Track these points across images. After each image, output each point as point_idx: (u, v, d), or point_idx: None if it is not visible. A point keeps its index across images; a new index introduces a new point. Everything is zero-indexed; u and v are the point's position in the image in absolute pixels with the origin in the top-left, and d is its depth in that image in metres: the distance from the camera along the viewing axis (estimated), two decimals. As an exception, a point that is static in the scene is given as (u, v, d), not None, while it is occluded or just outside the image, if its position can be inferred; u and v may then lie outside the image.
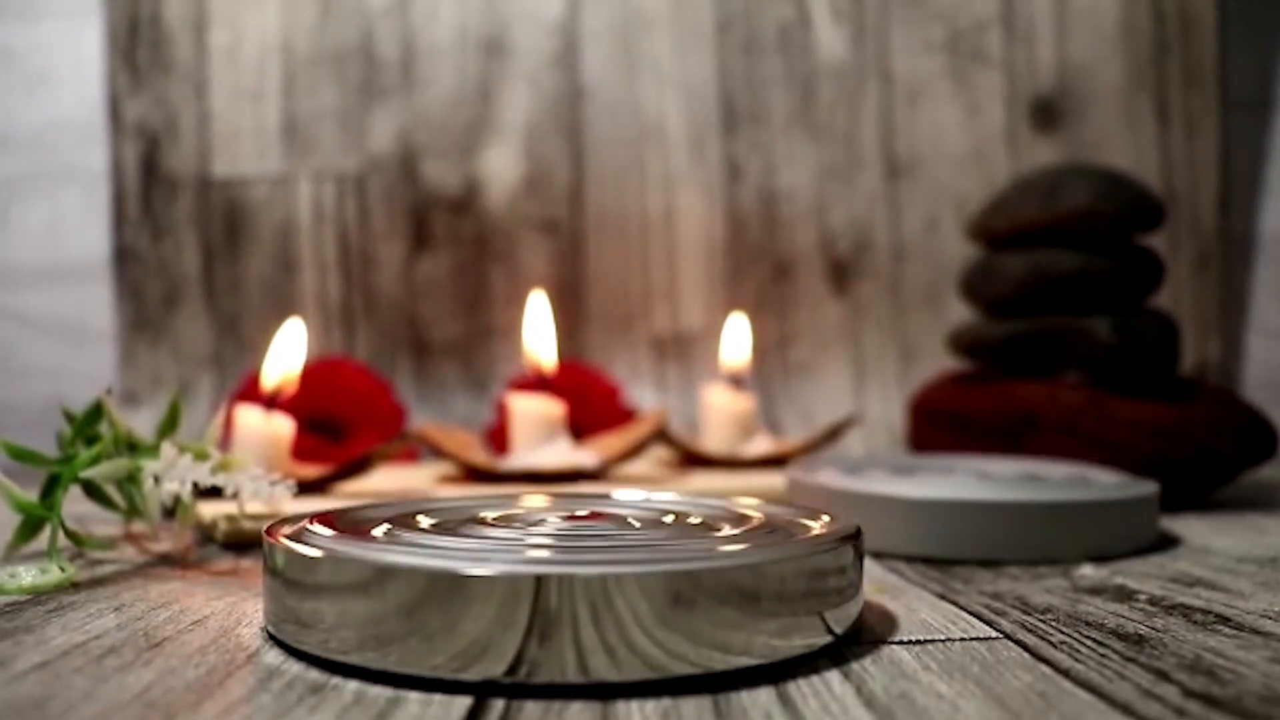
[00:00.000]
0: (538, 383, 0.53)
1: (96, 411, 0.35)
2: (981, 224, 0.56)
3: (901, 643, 0.25)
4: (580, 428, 0.56)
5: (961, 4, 0.76)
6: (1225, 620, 0.26)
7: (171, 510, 0.36)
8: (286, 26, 0.77)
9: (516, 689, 0.21)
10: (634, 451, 0.50)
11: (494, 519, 0.28)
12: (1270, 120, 0.78)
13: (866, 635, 0.25)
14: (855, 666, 0.23)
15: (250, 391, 0.54)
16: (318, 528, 0.25)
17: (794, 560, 0.23)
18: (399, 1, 0.77)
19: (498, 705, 0.20)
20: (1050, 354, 0.52)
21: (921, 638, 0.25)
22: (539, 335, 0.53)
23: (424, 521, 0.27)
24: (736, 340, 0.62)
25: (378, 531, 0.25)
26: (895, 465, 0.44)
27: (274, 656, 0.23)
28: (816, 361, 0.76)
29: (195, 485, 0.33)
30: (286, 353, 0.45)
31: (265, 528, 0.26)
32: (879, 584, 0.31)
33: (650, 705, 0.20)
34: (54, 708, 0.20)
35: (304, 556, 0.23)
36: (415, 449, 0.60)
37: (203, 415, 0.73)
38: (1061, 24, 0.76)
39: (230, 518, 0.37)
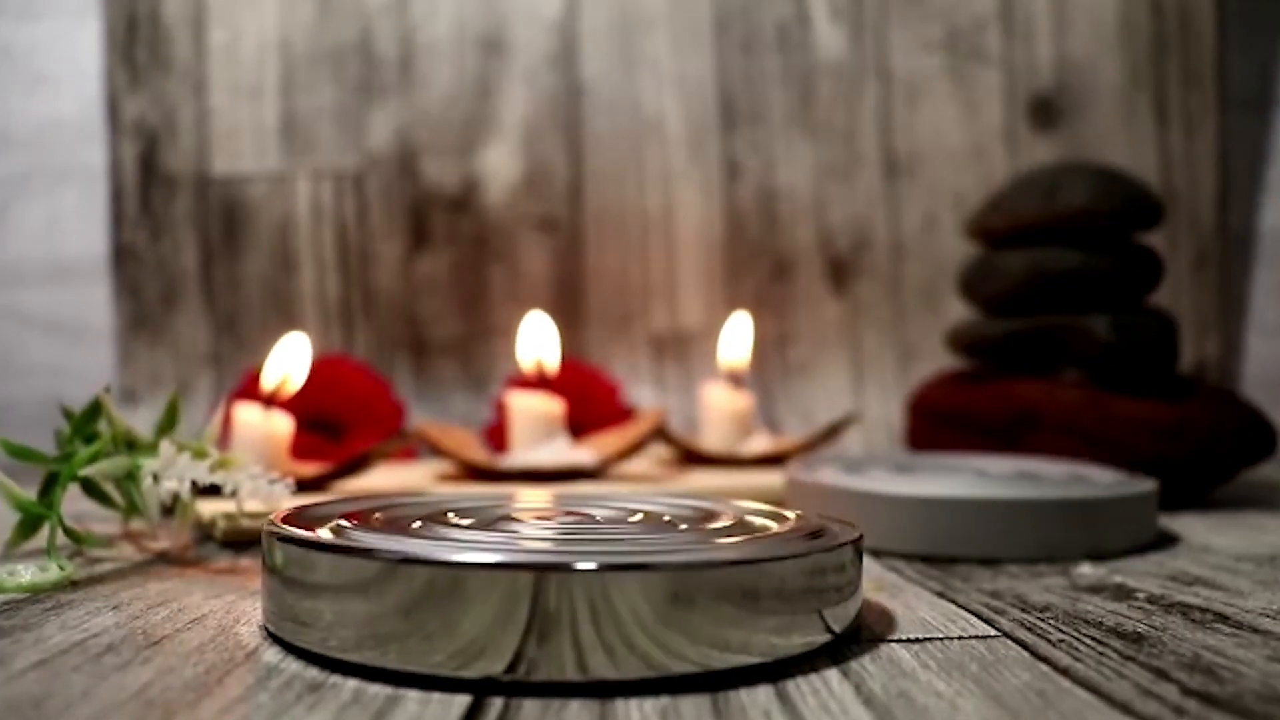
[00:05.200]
0: (537, 381, 0.53)
1: (95, 410, 0.35)
2: (980, 222, 0.56)
3: (900, 641, 0.25)
4: (579, 426, 0.56)
5: (960, 2, 0.76)
6: (1224, 619, 0.26)
7: (170, 508, 0.36)
8: (285, 24, 0.77)
9: (515, 687, 0.21)
10: (633, 450, 0.50)
11: (494, 518, 0.28)
12: (1269, 119, 0.78)
13: (865, 634, 0.25)
14: (854, 665, 0.23)
15: (249, 390, 0.54)
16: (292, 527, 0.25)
17: (793, 559, 0.23)
18: (398, -1, 0.77)
19: (496, 704, 0.20)
20: (1049, 352, 0.52)
21: (920, 636, 0.25)
22: (541, 347, 0.53)
23: (422, 520, 0.27)
24: (735, 339, 0.62)
25: (376, 527, 0.25)
26: (896, 464, 0.44)
27: (272, 655, 0.23)
28: (815, 360, 0.76)
29: (194, 483, 0.33)
30: (288, 365, 0.45)
31: (265, 525, 0.25)
32: (878, 582, 0.32)
33: (649, 704, 0.20)
34: (52, 706, 0.20)
35: (303, 554, 0.23)
36: (414, 447, 0.60)
37: (201, 413, 0.73)
38: (1060, 22, 0.76)
39: (229, 516, 0.37)
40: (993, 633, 0.25)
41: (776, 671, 0.22)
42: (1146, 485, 0.38)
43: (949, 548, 0.35)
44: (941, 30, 0.76)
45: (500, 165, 0.77)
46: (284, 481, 0.34)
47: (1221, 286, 0.75)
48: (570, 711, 0.20)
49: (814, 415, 0.74)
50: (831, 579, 0.24)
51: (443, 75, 0.77)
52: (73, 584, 0.31)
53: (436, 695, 0.20)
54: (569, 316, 0.75)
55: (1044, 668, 0.22)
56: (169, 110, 0.77)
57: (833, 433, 0.58)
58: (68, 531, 0.33)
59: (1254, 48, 0.78)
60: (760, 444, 0.58)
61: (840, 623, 0.24)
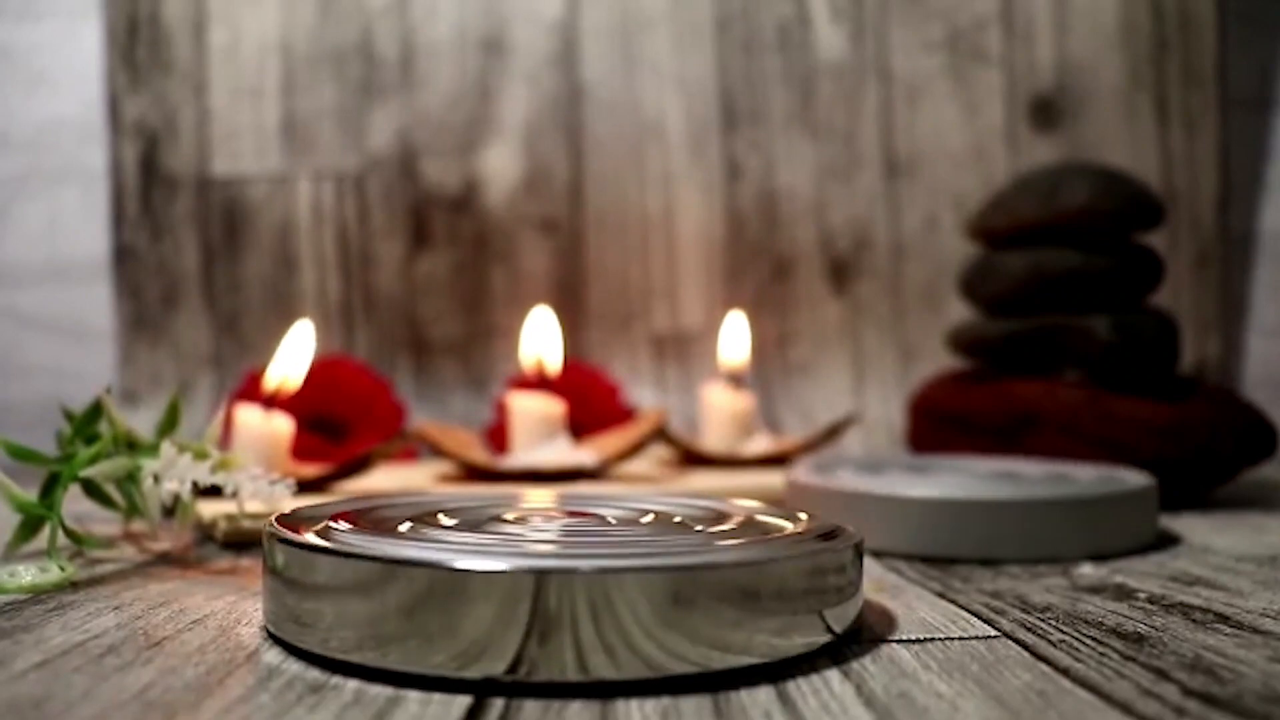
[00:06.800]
0: (538, 382, 0.53)
1: (96, 410, 0.35)
2: (981, 223, 0.56)
3: (901, 641, 0.25)
4: (580, 427, 0.56)
5: (961, 2, 0.76)
6: (1225, 619, 0.26)
7: (171, 509, 0.36)
8: (285, 25, 0.77)
9: (516, 688, 0.21)
10: (633, 450, 0.50)
11: (495, 518, 0.28)
12: (1270, 119, 0.78)
13: (866, 634, 0.25)
14: (855, 665, 0.23)
15: (250, 391, 0.54)
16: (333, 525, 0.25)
17: (793, 559, 0.23)
18: (398, 0, 0.77)
19: (497, 704, 0.20)
20: (1049, 353, 0.52)
21: (921, 636, 0.25)
22: (545, 346, 0.53)
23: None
24: (736, 339, 0.62)
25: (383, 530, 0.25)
26: (905, 464, 0.44)
27: (273, 655, 0.23)
28: (816, 360, 0.76)
29: (195, 484, 0.33)
30: (293, 355, 0.45)
31: (266, 525, 0.26)
32: (878, 583, 0.32)
33: (650, 704, 0.20)
34: (53, 707, 0.20)
35: (304, 555, 0.23)
36: (414, 448, 0.60)
37: (202, 414, 0.73)
38: (1061, 22, 0.76)
39: (230, 517, 0.37)
40: (993, 633, 0.25)
41: (777, 672, 0.22)
42: (1147, 485, 0.38)
43: (949, 548, 0.35)
44: (942, 30, 0.76)
45: (501, 166, 0.77)
46: (285, 482, 0.34)
47: (1222, 286, 0.75)
48: (571, 712, 0.20)
49: (814, 415, 0.74)
50: (832, 579, 0.24)
51: (443, 76, 0.77)
52: (73, 585, 0.31)
53: (437, 696, 0.20)
54: (569, 317, 0.75)
55: (1044, 668, 0.22)
56: (170, 111, 0.77)
57: (833, 433, 0.58)
58: (68, 532, 0.33)
59: (1255, 48, 0.78)
60: (761, 444, 0.58)
61: (841, 623, 0.24)
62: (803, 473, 0.41)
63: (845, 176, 0.77)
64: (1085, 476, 0.40)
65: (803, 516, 0.28)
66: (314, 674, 0.22)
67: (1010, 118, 0.76)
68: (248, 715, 0.19)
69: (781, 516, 0.28)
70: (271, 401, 0.44)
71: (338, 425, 0.60)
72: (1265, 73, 0.78)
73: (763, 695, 0.20)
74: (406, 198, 0.77)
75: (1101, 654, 0.23)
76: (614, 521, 0.28)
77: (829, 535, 0.25)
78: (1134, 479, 0.39)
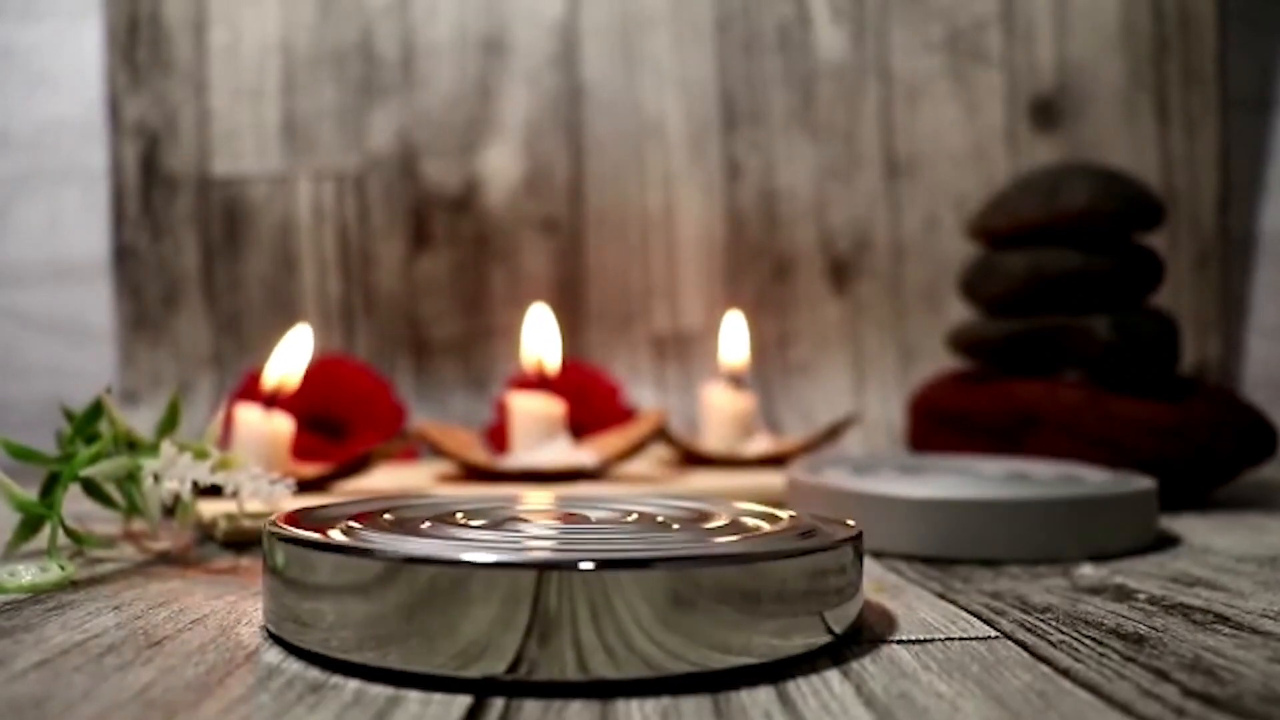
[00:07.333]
0: (538, 382, 0.53)
1: (96, 410, 0.35)
2: (981, 223, 0.56)
3: (901, 642, 0.25)
4: (580, 427, 0.56)
5: (961, 3, 0.76)
6: (1225, 620, 0.26)
7: (171, 509, 0.36)
8: (286, 25, 0.77)
9: (516, 687, 0.21)
10: (634, 451, 0.50)
11: (495, 518, 0.28)
12: (1270, 119, 0.78)
13: (866, 634, 0.25)
14: (855, 666, 0.23)
15: (250, 390, 0.54)
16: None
17: (794, 559, 0.23)
18: (398, 0, 0.77)
19: (497, 704, 0.20)
20: (1050, 353, 0.52)
21: (921, 637, 0.25)
22: (543, 344, 0.53)
23: (422, 521, 0.27)
24: (735, 339, 0.62)
25: (368, 529, 0.25)
26: (897, 465, 0.44)
27: (273, 655, 0.23)
28: (816, 361, 0.76)
29: (195, 484, 0.33)
30: (290, 358, 0.45)
31: (266, 525, 0.26)
32: (879, 583, 0.31)
33: (650, 704, 0.20)
34: (53, 707, 0.20)
35: (304, 554, 0.23)
36: (415, 448, 0.60)
37: (202, 414, 0.73)
38: (1061, 23, 0.76)
39: (230, 516, 0.37)
40: (993, 634, 0.25)
41: (777, 672, 0.22)
42: (1147, 486, 0.38)
43: (950, 549, 0.35)
44: (942, 31, 0.76)
45: (501, 166, 0.77)
46: (285, 482, 0.34)
47: (1222, 287, 0.75)
48: (571, 711, 0.20)
49: (815, 416, 0.74)
50: (832, 580, 0.24)
51: (444, 76, 0.77)
52: (74, 584, 0.31)
53: (438, 696, 0.20)
54: (570, 317, 0.75)
55: (1045, 669, 0.22)
56: (170, 111, 0.77)
57: (833, 433, 0.58)
58: (69, 532, 0.33)
59: (1254, 48, 0.78)
60: (761, 445, 0.58)
61: (841, 623, 0.24)
62: (803, 473, 0.41)
63: (845, 176, 0.77)
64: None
65: (851, 522, 0.27)
66: (314, 674, 0.22)
67: (1010, 118, 0.76)
68: (248, 715, 0.19)
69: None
70: (271, 401, 0.44)
71: (338, 425, 0.60)
72: (1265, 73, 0.78)
73: (763, 695, 0.20)
74: (406, 198, 0.77)
75: (1102, 655, 0.23)
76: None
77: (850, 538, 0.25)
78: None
